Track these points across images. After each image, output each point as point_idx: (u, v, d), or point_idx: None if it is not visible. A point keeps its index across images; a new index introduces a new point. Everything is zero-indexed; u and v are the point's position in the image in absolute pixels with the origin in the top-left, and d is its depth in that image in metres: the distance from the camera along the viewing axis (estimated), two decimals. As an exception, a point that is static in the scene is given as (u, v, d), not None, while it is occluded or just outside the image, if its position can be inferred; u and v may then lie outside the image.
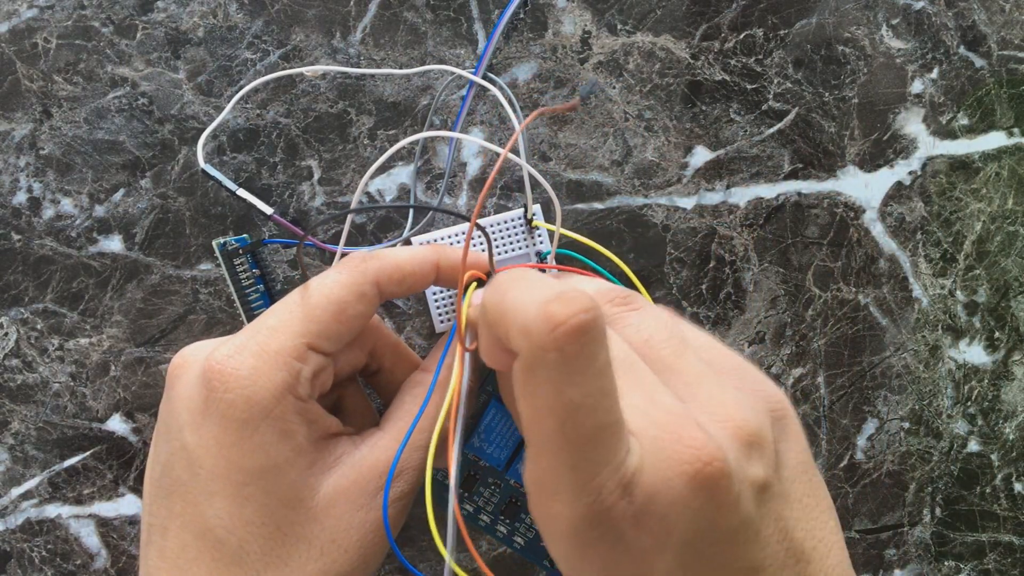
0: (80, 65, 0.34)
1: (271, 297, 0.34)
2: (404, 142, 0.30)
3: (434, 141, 0.35)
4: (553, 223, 0.32)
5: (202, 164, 0.33)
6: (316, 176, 0.35)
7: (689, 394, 0.23)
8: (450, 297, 0.34)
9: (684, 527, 0.20)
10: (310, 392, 0.27)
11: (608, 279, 0.33)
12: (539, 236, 0.34)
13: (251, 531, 0.25)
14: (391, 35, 0.35)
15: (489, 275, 0.31)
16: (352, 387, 0.32)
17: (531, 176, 0.32)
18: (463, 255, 0.27)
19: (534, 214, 0.33)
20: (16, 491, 0.35)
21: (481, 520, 0.34)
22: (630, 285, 0.34)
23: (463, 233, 0.33)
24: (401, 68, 0.35)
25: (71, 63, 0.34)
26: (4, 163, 0.34)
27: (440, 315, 0.33)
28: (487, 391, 0.34)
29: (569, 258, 0.34)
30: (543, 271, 0.33)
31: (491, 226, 0.34)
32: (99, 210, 0.35)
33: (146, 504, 0.27)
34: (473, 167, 0.35)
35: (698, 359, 0.24)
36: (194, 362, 0.27)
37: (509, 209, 0.34)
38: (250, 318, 0.33)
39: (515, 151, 0.34)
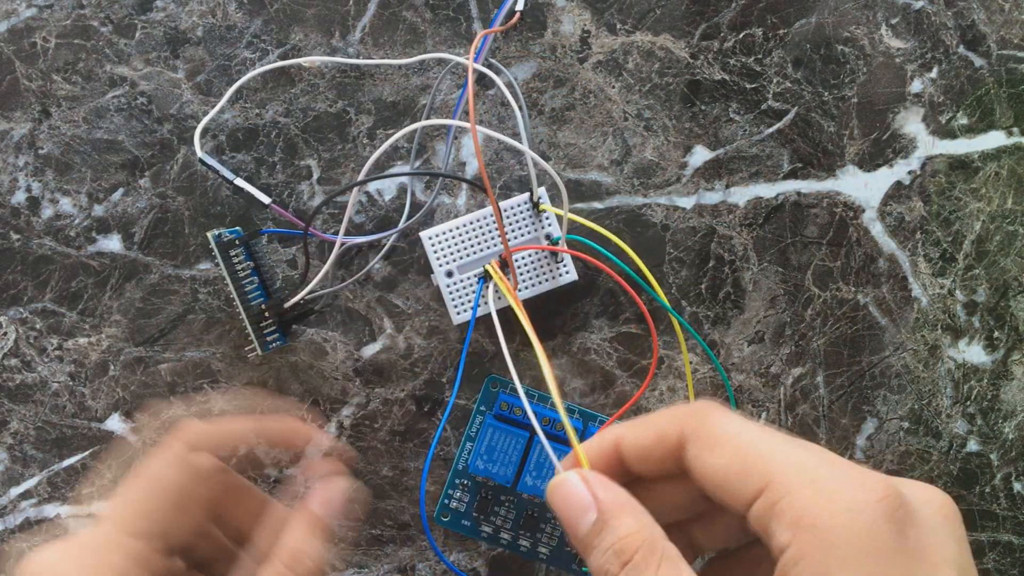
0: (79, 64, 0.34)
1: (266, 289, 0.34)
2: (402, 132, 0.30)
3: (433, 141, 0.35)
4: (558, 208, 0.32)
5: (199, 153, 0.33)
6: (315, 175, 0.35)
7: None
8: (465, 289, 0.33)
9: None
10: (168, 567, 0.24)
11: (619, 265, 0.33)
12: (547, 219, 0.34)
13: None
14: (390, 34, 0.35)
15: (501, 261, 0.31)
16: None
17: (533, 162, 0.32)
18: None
19: (539, 197, 0.33)
20: (15, 491, 0.34)
21: (502, 539, 0.34)
22: (639, 273, 0.34)
23: (472, 223, 0.33)
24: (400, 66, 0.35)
25: (70, 62, 0.34)
26: (3, 162, 0.34)
27: (456, 306, 0.33)
28: (481, 411, 0.34)
29: (580, 244, 0.34)
30: (555, 253, 0.33)
31: None
32: (98, 209, 0.34)
33: None
34: (472, 167, 0.35)
35: None
36: None
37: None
38: (247, 309, 0.33)
39: (518, 138, 0.34)
